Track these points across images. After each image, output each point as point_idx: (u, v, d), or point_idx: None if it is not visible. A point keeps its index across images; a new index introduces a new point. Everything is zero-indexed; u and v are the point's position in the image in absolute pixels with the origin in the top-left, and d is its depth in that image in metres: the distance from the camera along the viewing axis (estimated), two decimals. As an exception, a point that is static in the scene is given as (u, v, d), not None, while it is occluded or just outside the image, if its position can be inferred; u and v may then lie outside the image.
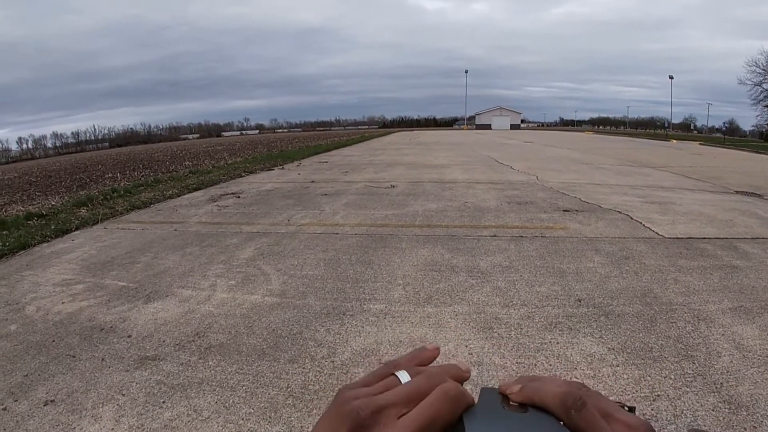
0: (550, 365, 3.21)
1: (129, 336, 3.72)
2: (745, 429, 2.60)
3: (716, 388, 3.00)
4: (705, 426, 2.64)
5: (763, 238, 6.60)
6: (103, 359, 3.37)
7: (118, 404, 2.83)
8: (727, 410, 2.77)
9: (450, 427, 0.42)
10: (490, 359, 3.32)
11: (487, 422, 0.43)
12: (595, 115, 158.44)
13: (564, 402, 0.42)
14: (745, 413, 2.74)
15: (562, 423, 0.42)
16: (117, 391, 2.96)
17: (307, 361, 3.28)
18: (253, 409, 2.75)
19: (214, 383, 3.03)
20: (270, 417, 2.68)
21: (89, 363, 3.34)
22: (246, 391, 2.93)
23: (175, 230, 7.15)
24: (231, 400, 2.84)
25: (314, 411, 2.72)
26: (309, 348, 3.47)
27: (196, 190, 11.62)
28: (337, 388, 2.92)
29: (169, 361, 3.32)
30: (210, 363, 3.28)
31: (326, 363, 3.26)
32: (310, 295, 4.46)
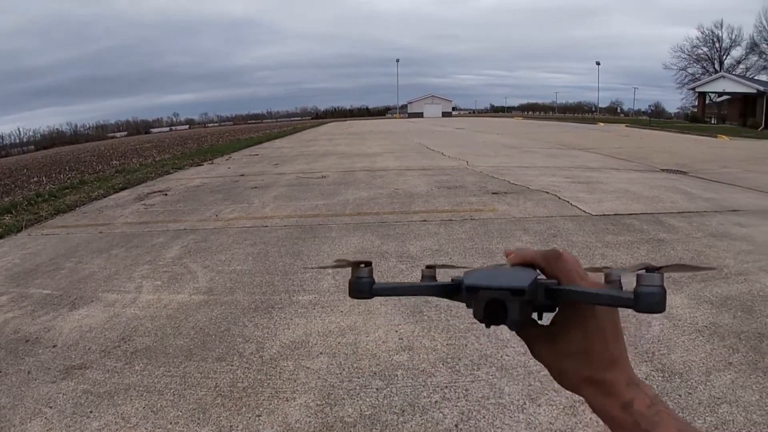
0: (481, 344, 3.31)
1: (54, 346, 3.61)
2: (680, 395, 2.75)
3: (648, 357, 3.17)
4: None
5: (688, 212, 6.94)
6: (29, 372, 3.26)
7: (45, 417, 2.75)
8: (660, 378, 2.93)
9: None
10: (421, 342, 3.40)
11: (484, 269, 0.58)
12: (524, 102, 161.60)
13: (545, 256, 0.59)
14: (678, 380, 2.90)
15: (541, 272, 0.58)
16: (44, 404, 2.88)
17: (235, 359, 3.27)
18: (181, 411, 2.73)
19: (141, 388, 2.98)
20: (199, 418, 2.66)
21: (15, 377, 3.22)
22: (174, 394, 2.90)
23: (101, 233, 6.94)
24: (159, 404, 2.80)
25: (243, 409, 2.72)
26: (237, 344, 3.45)
27: (122, 189, 11.28)
28: (265, 385, 2.93)
29: (95, 369, 3.24)
30: (136, 368, 3.22)
31: (254, 359, 3.25)
32: (238, 291, 4.43)
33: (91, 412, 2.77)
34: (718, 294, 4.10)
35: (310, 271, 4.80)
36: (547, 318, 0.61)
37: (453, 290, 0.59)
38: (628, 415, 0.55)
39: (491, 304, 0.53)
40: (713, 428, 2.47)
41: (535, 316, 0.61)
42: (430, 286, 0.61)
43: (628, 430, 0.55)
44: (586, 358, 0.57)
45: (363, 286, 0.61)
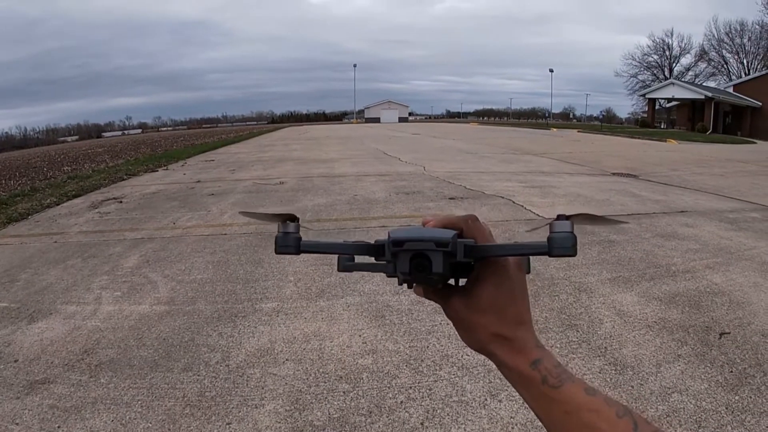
0: (442, 345, 3.41)
1: (16, 361, 3.54)
2: (632, 387, 2.91)
3: (601, 352, 3.32)
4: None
5: (638, 213, 7.21)
6: (-10, 388, 3.21)
7: (10, 434, 2.72)
8: (613, 371, 3.08)
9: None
10: (384, 346, 3.47)
11: (406, 228, 0.60)
12: (479, 107, 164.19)
13: (464, 219, 0.62)
14: (630, 372, 3.06)
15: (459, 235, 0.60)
16: (10, 421, 2.84)
17: (201, 368, 3.28)
18: (150, 423, 2.73)
19: (108, 401, 2.97)
20: (169, 429, 2.67)
21: (-24, 394, 3.17)
22: (141, 406, 2.90)
23: (56, 242, 6.80)
24: (127, 417, 2.80)
25: (213, 417, 2.75)
26: (202, 354, 3.46)
27: (76, 197, 11.02)
28: (233, 393, 2.97)
29: (59, 383, 3.20)
30: (102, 380, 3.20)
31: (221, 368, 3.28)
32: (200, 300, 4.43)
33: (58, 427, 2.75)
34: (666, 291, 4.30)
35: (272, 278, 4.83)
36: (463, 283, 0.65)
37: (378, 250, 0.60)
38: (536, 372, 0.58)
39: (416, 257, 0.55)
40: (665, 416, 2.63)
41: (453, 283, 0.65)
42: (356, 245, 0.61)
43: (536, 387, 0.58)
44: (497, 313, 0.61)
45: (290, 242, 0.61)
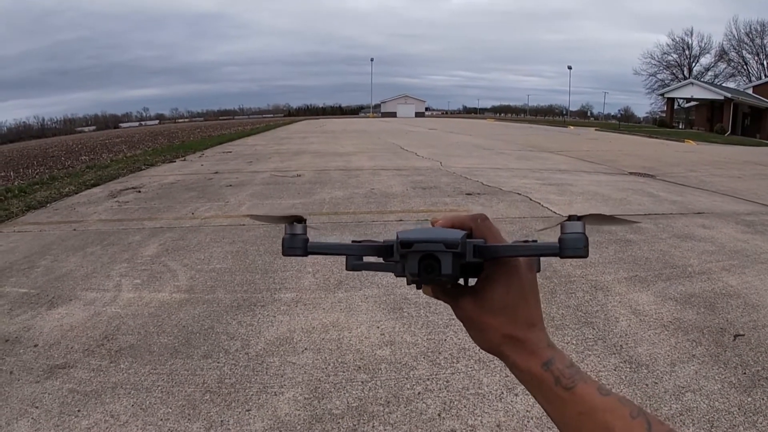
0: (459, 339, 3.43)
1: (36, 345, 3.61)
2: (647, 385, 2.92)
3: (617, 350, 3.33)
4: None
5: (655, 213, 7.18)
6: (11, 372, 3.26)
7: (32, 417, 2.76)
8: (628, 369, 3.09)
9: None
10: (402, 338, 3.51)
11: (415, 229, 0.59)
12: (496, 103, 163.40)
13: (473, 218, 0.63)
14: (645, 371, 3.07)
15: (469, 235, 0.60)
16: (30, 404, 2.89)
17: (221, 355, 3.33)
18: (171, 408, 2.78)
19: (128, 386, 3.02)
20: (189, 414, 2.72)
21: (-3, 377, 3.23)
22: (162, 391, 2.94)
23: (75, 230, 6.89)
24: (148, 402, 2.85)
25: (233, 404, 2.79)
26: (222, 342, 3.51)
27: (94, 186, 11.15)
28: (252, 381, 3.01)
29: (79, 368, 3.26)
30: (122, 366, 3.25)
31: (240, 355, 3.32)
32: (219, 289, 4.48)
33: (79, 410, 2.80)
34: (682, 292, 4.29)
35: (290, 269, 4.86)
36: (473, 283, 0.65)
37: (386, 251, 0.59)
38: (549, 373, 0.58)
39: (425, 259, 0.55)
40: (678, 414, 2.63)
41: (462, 283, 0.65)
42: (364, 246, 0.61)
43: (549, 388, 0.58)
44: (508, 314, 0.60)
45: (297, 243, 0.61)
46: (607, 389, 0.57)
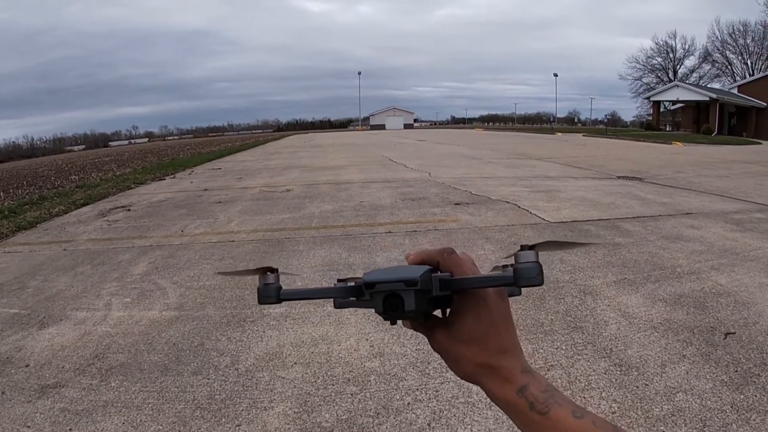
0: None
1: (27, 365, 3.60)
2: (637, 387, 2.94)
3: (606, 353, 3.34)
4: (599, 386, 2.93)
5: (643, 217, 7.23)
6: (3, 392, 3.25)
7: (23, 437, 2.77)
8: (618, 372, 3.11)
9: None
10: (391, 349, 3.51)
11: (382, 269, 0.62)
12: (484, 113, 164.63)
13: (441, 252, 0.64)
14: (636, 373, 3.08)
15: (437, 270, 0.63)
16: (22, 424, 2.88)
17: (211, 372, 3.32)
18: (161, 425, 2.77)
19: (119, 404, 3.01)
20: (179, 431, 2.71)
21: (-13, 397, 3.22)
22: (152, 409, 2.94)
23: (65, 250, 6.87)
24: (138, 419, 2.84)
25: (223, 419, 2.79)
26: (212, 358, 3.51)
27: (84, 205, 11.12)
28: (242, 396, 3.00)
29: (70, 387, 3.25)
30: (112, 384, 3.25)
31: (230, 371, 3.32)
32: (209, 306, 4.47)
33: (70, 429, 2.79)
34: (672, 292, 4.32)
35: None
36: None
37: (356, 291, 0.62)
38: (523, 399, 0.59)
39: (389, 298, 0.57)
40: (670, 415, 2.64)
41: (438, 314, 0.67)
42: (336, 288, 0.63)
43: (524, 414, 0.59)
44: (480, 344, 0.62)
45: (270, 292, 0.64)
46: (582, 412, 0.58)
